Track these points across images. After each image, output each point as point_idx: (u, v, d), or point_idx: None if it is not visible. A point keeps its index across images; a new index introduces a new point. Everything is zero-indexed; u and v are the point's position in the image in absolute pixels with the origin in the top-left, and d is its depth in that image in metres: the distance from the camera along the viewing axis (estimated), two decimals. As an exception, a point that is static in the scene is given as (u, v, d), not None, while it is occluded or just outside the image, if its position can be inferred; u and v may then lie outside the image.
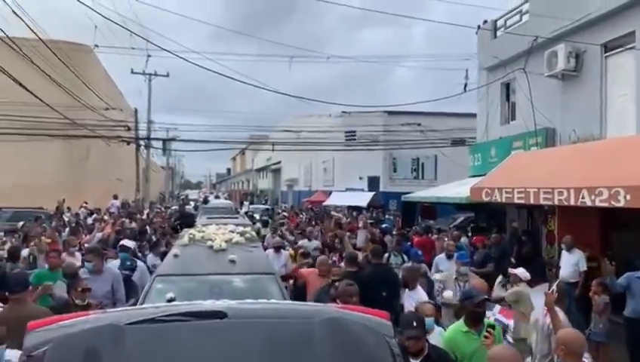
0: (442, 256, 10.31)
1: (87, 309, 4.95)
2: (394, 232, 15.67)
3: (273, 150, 37.46)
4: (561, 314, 5.68)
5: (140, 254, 10.01)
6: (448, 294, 7.97)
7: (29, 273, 6.79)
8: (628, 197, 7.74)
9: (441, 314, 7.31)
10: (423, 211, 19.47)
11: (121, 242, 9.22)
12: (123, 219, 15.34)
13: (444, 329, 5.63)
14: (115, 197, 25.46)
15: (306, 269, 8.49)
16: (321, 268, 7.76)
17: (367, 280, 7.17)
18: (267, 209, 32.97)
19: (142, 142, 33.35)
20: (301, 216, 25.59)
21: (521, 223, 14.05)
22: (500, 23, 15.91)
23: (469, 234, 15.37)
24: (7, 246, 10.40)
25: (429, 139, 27.17)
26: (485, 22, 16.44)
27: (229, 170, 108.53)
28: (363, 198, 30.52)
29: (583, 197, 8.66)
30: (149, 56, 29.67)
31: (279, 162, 52.47)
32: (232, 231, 7.64)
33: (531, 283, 7.97)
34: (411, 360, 4.25)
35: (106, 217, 14.32)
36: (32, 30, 13.20)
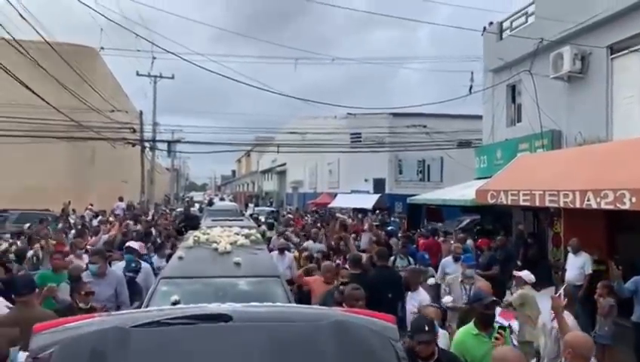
0: (449, 258, 10.30)
1: (90, 312, 4.97)
2: (399, 234, 15.65)
3: (278, 152, 37.51)
4: (570, 319, 5.66)
5: (146, 256, 10.01)
6: (447, 299, 7.96)
7: (32, 274, 6.84)
8: (633, 199, 7.71)
9: (446, 318, 7.31)
10: (428, 213, 19.41)
11: (127, 244, 9.20)
12: (128, 221, 15.38)
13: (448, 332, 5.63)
14: (121, 199, 25.57)
15: (311, 277, 8.45)
16: (326, 276, 7.70)
17: (374, 282, 7.19)
18: (272, 211, 32.93)
19: (147, 144, 33.49)
20: (306, 218, 25.57)
21: (527, 226, 14.01)
22: (505, 24, 15.88)
23: (476, 236, 15.33)
24: (14, 248, 10.45)
25: (434, 141, 27.13)
26: (491, 24, 16.42)
27: (234, 172, 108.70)
28: (368, 200, 30.46)
29: (588, 200, 8.63)
30: (154, 58, 29.78)
31: (284, 164, 52.50)
32: (237, 234, 7.62)
33: (537, 287, 7.95)
34: None
35: (111, 219, 14.36)
36: (39, 33, 13.30)
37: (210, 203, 34.94)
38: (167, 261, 7.98)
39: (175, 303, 4.88)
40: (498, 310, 7.02)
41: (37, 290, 5.55)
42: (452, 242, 12.95)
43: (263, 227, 16.75)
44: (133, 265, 8.01)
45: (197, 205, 38.21)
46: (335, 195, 35.01)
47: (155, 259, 10.07)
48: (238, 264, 6.30)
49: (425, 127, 29.21)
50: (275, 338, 2.36)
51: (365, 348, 2.40)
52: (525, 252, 12.36)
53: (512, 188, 11.07)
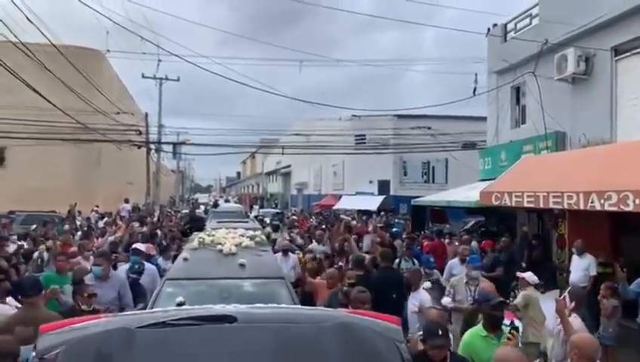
0: (456, 260, 10.29)
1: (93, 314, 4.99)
2: (404, 236, 15.64)
3: (283, 154, 37.61)
4: (577, 321, 5.67)
5: (153, 258, 10.00)
6: (446, 300, 7.97)
7: (37, 276, 6.87)
8: (637, 201, 7.71)
9: (451, 320, 7.32)
10: (433, 215, 19.39)
11: (134, 245, 9.20)
12: (133, 223, 15.41)
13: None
14: (126, 201, 25.65)
15: (318, 280, 8.46)
16: (329, 281, 7.72)
17: (378, 283, 7.22)
18: (277, 213, 32.96)
19: (152, 146, 33.59)
20: (311, 220, 25.58)
21: (531, 227, 13.98)
22: (509, 26, 15.87)
23: (480, 238, 15.30)
24: (22, 250, 10.51)
25: (439, 143, 27.10)
26: (495, 25, 16.41)
27: (239, 173, 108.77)
28: (373, 202, 30.45)
29: (592, 202, 8.64)
30: (159, 60, 29.89)
31: (289, 166, 52.54)
32: (242, 235, 7.63)
33: (542, 288, 7.96)
34: None
35: (119, 222, 14.41)
36: (46, 36, 13.37)
37: (215, 204, 34.95)
38: (174, 263, 8.00)
39: (180, 304, 4.91)
40: (502, 311, 7.05)
41: (43, 292, 5.59)
42: (457, 244, 12.94)
43: (268, 229, 16.76)
44: (136, 266, 8.00)
45: (202, 207, 38.27)
46: (340, 197, 35.02)
47: (160, 260, 10.08)
48: (242, 265, 6.30)
49: (429, 128, 29.19)
50: (280, 340, 2.39)
51: (370, 349, 2.43)
52: (530, 253, 12.33)
53: (516, 190, 11.07)
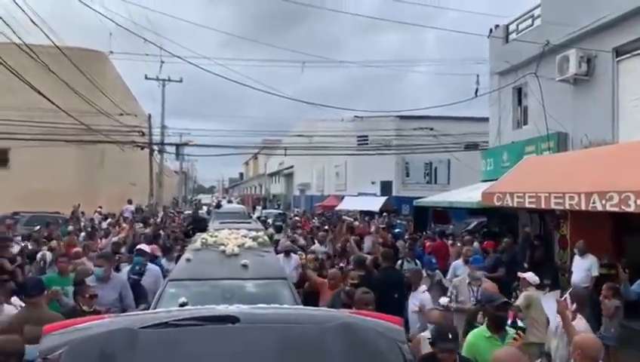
0: (459, 261, 10.29)
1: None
2: (406, 237, 15.64)
3: (286, 155, 37.59)
4: (582, 322, 5.68)
5: (157, 259, 10.01)
6: (443, 300, 7.99)
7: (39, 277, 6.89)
8: (638, 202, 7.73)
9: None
10: (435, 216, 19.39)
11: (139, 246, 9.21)
12: (136, 224, 15.45)
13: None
14: (130, 202, 25.68)
15: (321, 279, 8.48)
16: (330, 282, 7.73)
17: (380, 283, 7.24)
18: (280, 214, 32.95)
19: (155, 147, 33.61)
20: (313, 220, 25.58)
21: (533, 228, 13.97)
22: (511, 27, 15.89)
23: (482, 239, 15.29)
24: (26, 250, 10.56)
25: (441, 144, 27.08)
26: (497, 27, 16.42)
27: (241, 174, 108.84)
28: (375, 203, 30.46)
29: (593, 202, 8.65)
30: (162, 62, 29.92)
31: (292, 167, 52.56)
32: (245, 236, 7.63)
33: (543, 289, 7.96)
34: None
35: (124, 225, 14.45)
36: (49, 38, 13.42)
37: (218, 205, 34.97)
38: (176, 263, 8.01)
39: (183, 305, 4.93)
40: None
41: (46, 292, 5.63)
42: (459, 244, 12.94)
43: (271, 229, 16.78)
44: (137, 267, 8.01)
45: (205, 208, 38.29)
46: (342, 198, 35.02)
47: (163, 261, 10.09)
48: (245, 266, 6.31)
49: (432, 129, 29.14)
50: (283, 340, 2.40)
51: (372, 349, 2.44)
52: (532, 254, 12.32)
53: (518, 191, 11.08)
